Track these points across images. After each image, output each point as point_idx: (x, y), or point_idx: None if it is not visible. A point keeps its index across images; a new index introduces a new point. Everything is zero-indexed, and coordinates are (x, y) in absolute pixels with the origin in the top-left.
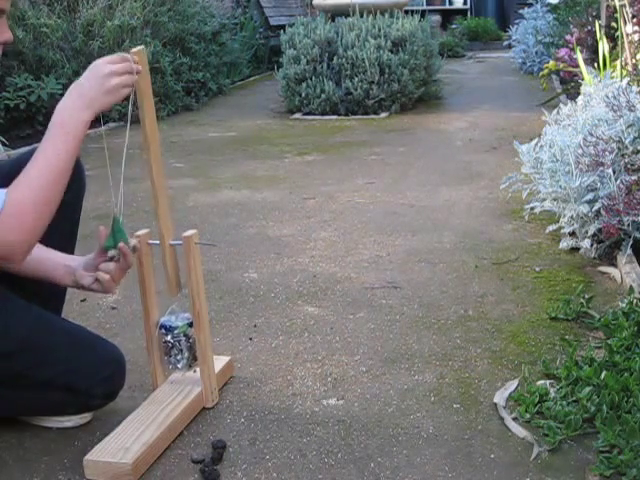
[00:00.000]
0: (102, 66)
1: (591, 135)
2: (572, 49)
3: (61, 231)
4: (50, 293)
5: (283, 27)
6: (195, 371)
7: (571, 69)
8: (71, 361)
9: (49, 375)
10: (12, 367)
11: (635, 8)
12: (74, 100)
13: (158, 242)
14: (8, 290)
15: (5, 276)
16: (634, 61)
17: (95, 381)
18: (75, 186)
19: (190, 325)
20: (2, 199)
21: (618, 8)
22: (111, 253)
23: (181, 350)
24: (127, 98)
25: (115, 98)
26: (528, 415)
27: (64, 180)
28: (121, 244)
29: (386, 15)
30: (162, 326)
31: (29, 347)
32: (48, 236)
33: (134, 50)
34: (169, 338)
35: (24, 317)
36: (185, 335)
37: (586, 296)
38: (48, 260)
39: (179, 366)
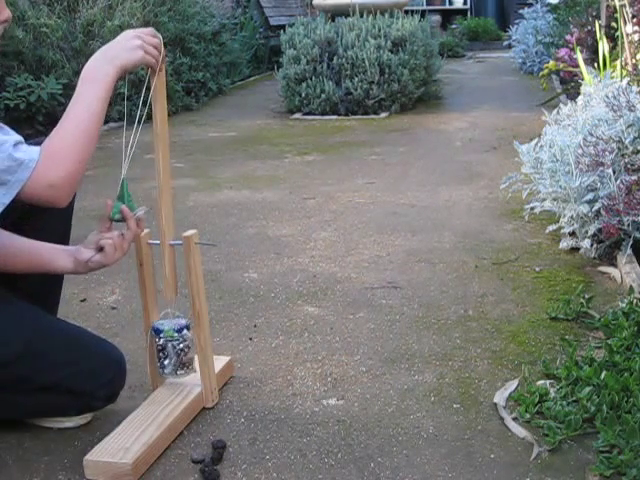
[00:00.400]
0: (129, 31)
1: (591, 135)
2: (572, 49)
3: (53, 232)
4: (46, 292)
5: (283, 27)
6: (195, 371)
7: (571, 69)
8: (72, 365)
9: (51, 380)
10: (14, 373)
11: (635, 8)
12: (98, 57)
13: (158, 242)
14: (7, 292)
15: (2, 276)
16: (634, 61)
17: (97, 384)
18: None
19: (178, 331)
20: (38, 151)
21: (618, 8)
22: (117, 216)
23: (167, 355)
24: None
25: (136, 57)
26: (528, 415)
27: (96, 126)
28: (123, 206)
29: (386, 15)
30: (153, 329)
31: (30, 353)
32: (40, 237)
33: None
34: (158, 341)
35: (24, 323)
36: (172, 340)
37: (586, 296)
38: (44, 249)
39: (166, 371)
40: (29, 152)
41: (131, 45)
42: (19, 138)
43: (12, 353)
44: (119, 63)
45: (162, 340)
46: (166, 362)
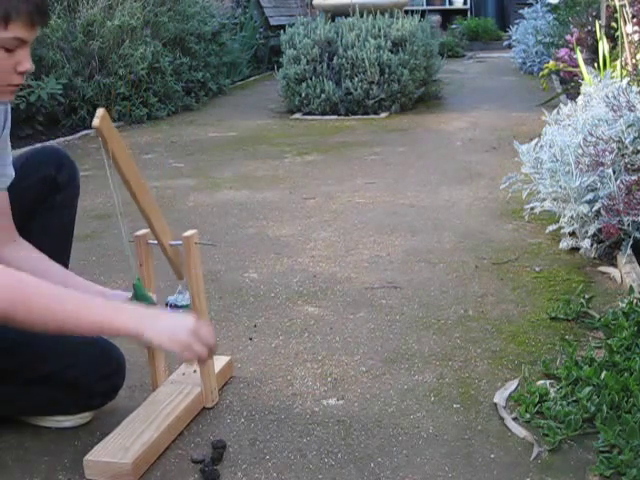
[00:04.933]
0: (194, 322)
1: (591, 135)
2: (572, 49)
3: (53, 234)
4: None
5: (283, 27)
6: (195, 371)
7: (571, 69)
8: (71, 358)
9: (48, 370)
10: (11, 362)
11: (635, 8)
12: (144, 315)
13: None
14: None
15: None
16: (634, 61)
17: (95, 378)
18: (68, 189)
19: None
20: None
21: (618, 8)
22: None
23: None
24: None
25: (168, 346)
26: (528, 415)
27: (51, 323)
28: None
29: (386, 15)
30: (169, 304)
31: (28, 342)
32: (45, 236)
33: (98, 115)
34: None
35: None
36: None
37: (586, 296)
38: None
39: None
40: None
41: (180, 339)
42: None
43: (8, 342)
44: (148, 335)
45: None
46: None
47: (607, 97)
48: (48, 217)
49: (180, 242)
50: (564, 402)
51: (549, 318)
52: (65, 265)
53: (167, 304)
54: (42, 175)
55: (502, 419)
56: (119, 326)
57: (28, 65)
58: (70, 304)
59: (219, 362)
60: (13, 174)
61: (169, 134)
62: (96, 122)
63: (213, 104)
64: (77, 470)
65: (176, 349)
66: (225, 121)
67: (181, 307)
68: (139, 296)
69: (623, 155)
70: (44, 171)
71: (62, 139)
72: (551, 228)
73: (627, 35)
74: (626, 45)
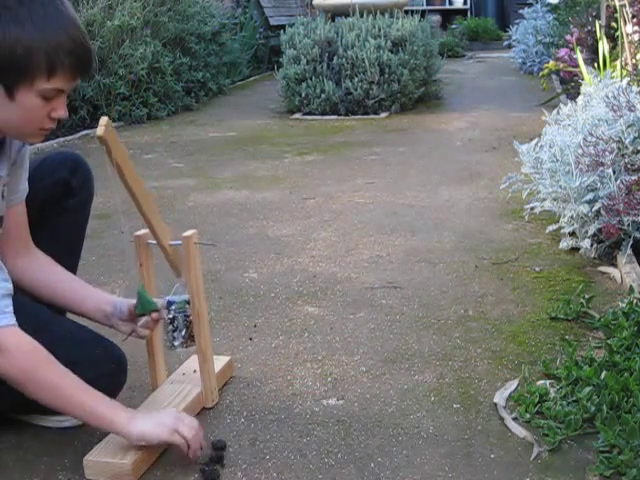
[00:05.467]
0: (177, 412)
1: (591, 135)
2: (572, 49)
3: (65, 237)
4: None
5: (283, 27)
6: (195, 371)
7: (571, 69)
8: (71, 357)
9: None
10: None
11: (635, 8)
12: (132, 417)
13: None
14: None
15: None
16: (634, 61)
17: (95, 377)
18: (81, 193)
19: (188, 302)
20: (12, 324)
21: (618, 8)
22: (144, 318)
23: (178, 327)
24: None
25: (158, 433)
26: (528, 415)
27: (51, 400)
28: (149, 316)
29: (386, 15)
30: (166, 301)
31: None
32: (52, 241)
33: (102, 124)
34: (170, 314)
35: (24, 314)
36: (183, 312)
37: (586, 296)
38: (81, 298)
39: (175, 343)
40: (8, 314)
41: (165, 422)
42: (10, 290)
43: None
44: (136, 430)
45: (173, 312)
46: (176, 334)
47: (607, 97)
48: (60, 220)
49: (180, 242)
50: (564, 402)
51: (549, 318)
52: (74, 267)
53: (166, 302)
54: (56, 178)
55: (502, 419)
56: (107, 426)
57: (62, 112)
58: (72, 394)
59: (219, 362)
60: (27, 189)
61: (169, 134)
62: (101, 131)
63: (213, 104)
64: (77, 470)
65: (165, 433)
66: (225, 121)
67: (174, 302)
68: (144, 303)
69: (623, 155)
70: (58, 174)
71: (62, 139)
72: (551, 228)
73: (627, 35)
74: (626, 45)
